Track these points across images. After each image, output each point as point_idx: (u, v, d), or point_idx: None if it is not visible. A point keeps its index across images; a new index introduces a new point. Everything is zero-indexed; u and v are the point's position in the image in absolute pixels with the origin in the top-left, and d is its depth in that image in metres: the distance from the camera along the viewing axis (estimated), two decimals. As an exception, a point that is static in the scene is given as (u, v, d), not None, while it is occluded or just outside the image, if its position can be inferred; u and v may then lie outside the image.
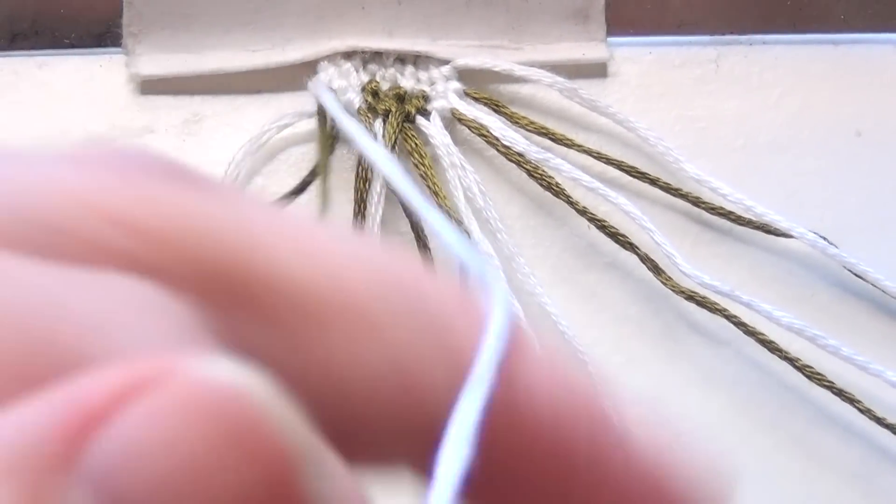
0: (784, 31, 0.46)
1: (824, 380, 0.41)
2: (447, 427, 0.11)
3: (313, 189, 0.43)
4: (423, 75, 0.44)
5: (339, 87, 0.43)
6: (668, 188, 0.43)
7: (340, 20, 0.44)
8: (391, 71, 0.44)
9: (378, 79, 0.44)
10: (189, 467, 0.10)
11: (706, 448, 0.13)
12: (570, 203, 0.42)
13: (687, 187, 0.43)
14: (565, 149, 0.43)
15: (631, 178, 0.43)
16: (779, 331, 0.41)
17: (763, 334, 0.41)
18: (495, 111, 0.44)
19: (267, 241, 0.12)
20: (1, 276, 0.11)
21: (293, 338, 0.12)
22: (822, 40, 0.46)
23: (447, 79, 0.44)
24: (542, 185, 0.42)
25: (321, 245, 0.12)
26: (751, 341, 0.41)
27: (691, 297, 0.41)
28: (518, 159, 0.42)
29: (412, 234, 0.41)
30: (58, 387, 0.10)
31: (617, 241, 0.42)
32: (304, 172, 0.42)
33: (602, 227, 0.42)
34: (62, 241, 0.11)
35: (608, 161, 0.43)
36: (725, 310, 0.41)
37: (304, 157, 0.43)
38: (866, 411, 0.41)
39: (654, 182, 0.43)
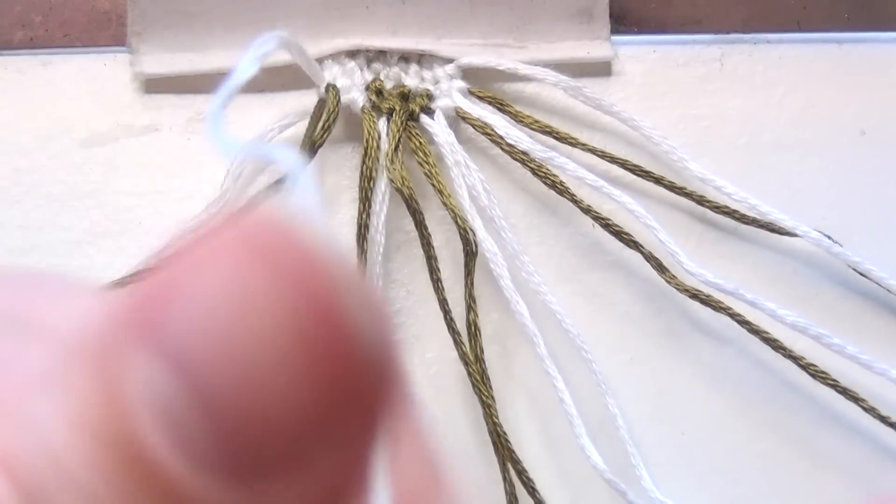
0: (788, 30, 0.46)
1: (828, 378, 0.41)
2: None
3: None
4: (427, 74, 0.44)
5: (343, 86, 0.43)
6: (672, 187, 0.43)
7: (345, 19, 0.44)
8: (395, 69, 0.44)
9: (382, 77, 0.44)
10: (249, 307, 0.10)
11: None
12: (575, 201, 0.42)
13: (691, 186, 0.43)
14: (569, 147, 0.43)
15: (635, 177, 0.43)
16: (783, 329, 0.41)
17: (767, 333, 0.41)
18: (499, 110, 0.44)
19: None
20: None
21: None
22: (827, 39, 0.46)
23: (451, 77, 0.44)
24: (546, 183, 0.42)
25: None
26: (755, 340, 0.41)
27: (695, 295, 0.41)
28: (522, 158, 0.42)
29: (416, 232, 0.41)
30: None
31: (621, 240, 0.42)
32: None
33: (606, 225, 0.42)
34: None
35: (612, 159, 0.43)
36: (729, 308, 0.41)
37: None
38: (870, 410, 0.41)
39: (658, 181, 0.43)
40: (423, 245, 0.40)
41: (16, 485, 0.11)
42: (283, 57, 0.43)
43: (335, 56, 0.43)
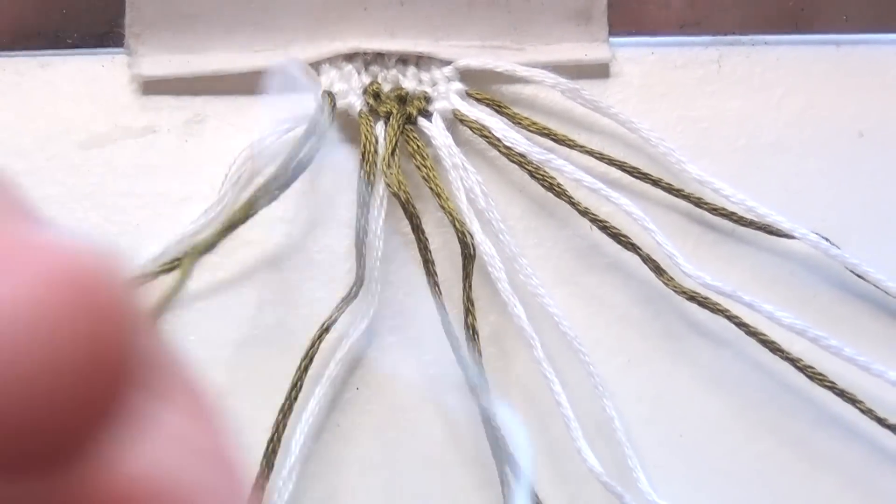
0: (786, 32, 0.46)
1: (826, 380, 0.41)
2: None
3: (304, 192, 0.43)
4: (424, 76, 0.44)
5: (340, 91, 0.43)
6: (670, 189, 0.43)
7: (343, 21, 0.44)
8: (393, 72, 0.44)
9: (380, 80, 0.44)
10: (36, 322, 0.11)
11: None
12: (572, 204, 0.42)
13: (689, 188, 0.43)
14: (567, 149, 0.43)
15: (633, 179, 0.43)
16: (780, 331, 0.41)
17: (765, 335, 0.41)
18: (497, 112, 0.44)
19: None
20: None
21: None
22: (825, 41, 0.46)
23: (449, 80, 0.44)
24: (544, 185, 0.42)
25: None
26: (752, 342, 0.41)
27: (693, 297, 0.41)
28: (520, 160, 0.42)
29: (413, 235, 0.41)
30: None
31: (619, 242, 0.42)
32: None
33: (604, 227, 0.42)
34: None
35: (610, 162, 0.43)
36: (727, 310, 0.41)
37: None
38: (868, 412, 0.41)
39: (656, 183, 0.43)
40: (420, 249, 0.40)
41: None
42: (281, 59, 0.43)
43: (332, 60, 0.44)
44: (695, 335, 0.43)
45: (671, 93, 0.45)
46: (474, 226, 0.41)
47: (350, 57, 0.44)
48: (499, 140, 0.43)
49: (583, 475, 0.40)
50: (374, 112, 0.43)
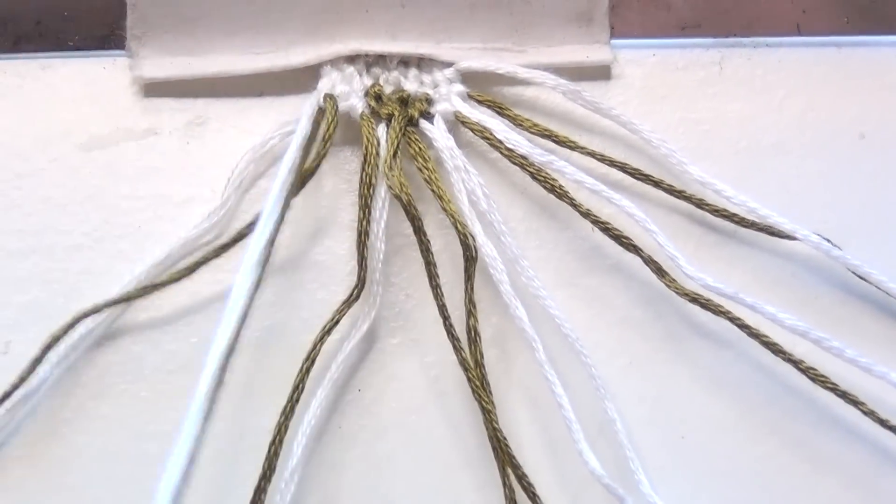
0: (788, 34, 0.46)
1: (828, 382, 0.41)
2: None
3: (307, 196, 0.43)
4: (426, 78, 0.44)
5: (342, 93, 0.43)
6: (671, 190, 0.43)
7: (344, 23, 0.44)
8: (394, 74, 0.44)
9: (381, 82, 0.44)
10: None
11: None
12: (574, 205, 0.42)
13: (690, 189, 0.43)
14: (569, 151, 0.43)
15: (634, 181, 0.43)
16: (783, 333, 0.41)
17: (767, 336, 0.41)
18: (499, 114, 0.44)
19: None
20: None
21: None
22: (826, 43, 0.46)
23: (450, 81, 0.44)
24: (545, 187, 0.42)
25: None
26: (754, 343, 0.41)
27: (695, 299, 0.41)
28: (521, 162, 0.42)
29: (415, 237, 0.41)
30: None
31: (620, 244, 0.42)
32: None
33: (605, 229, 0.42)
34: None
35: (612, 163, 0.43)
36: (729, 312, 0.41)
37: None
38: (870, 413, 0.41)
39: (657, 184, 0.43)
40: (422, 251, 0.40)
41: None
42: (281, 62, 0.43)
43: (334, 62, 0.44)
44: (696, 337, 0.43)
45: (672, 94, 0.45)
46: (476, 228, 0.41)
47: (351, 59, 0.44)
48: (500, 142, 0.43)
49: (584, 477, 0.40)
50: (375, 114, 0.43)
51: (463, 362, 0.40)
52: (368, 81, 0.44)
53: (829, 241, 0.42)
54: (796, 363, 0.41)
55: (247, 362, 0.41)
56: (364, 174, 0.41)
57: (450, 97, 0.44)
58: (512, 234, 0.42)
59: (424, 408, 0.42)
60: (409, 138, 0.43)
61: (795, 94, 0.46)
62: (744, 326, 0.41)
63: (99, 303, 0.41)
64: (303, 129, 0.41)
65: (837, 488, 0.42)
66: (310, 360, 0.40)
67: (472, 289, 0.41)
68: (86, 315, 0.40)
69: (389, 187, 0.40)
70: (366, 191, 0.41)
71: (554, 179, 0.42)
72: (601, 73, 0.45)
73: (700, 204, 0.43)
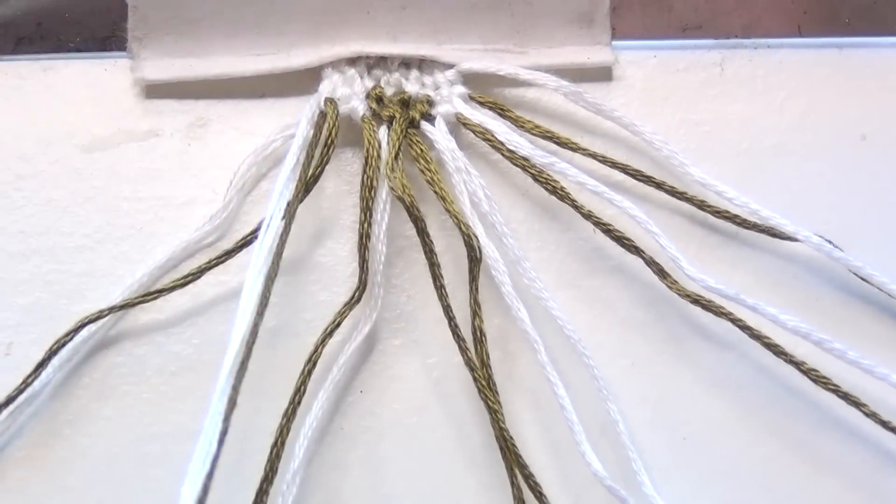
0: (789, 35, 0.46)
1: (830, 383, 0.41)
2: None
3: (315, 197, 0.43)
4: (427, 80, 0.44)
5: (343, 95, 0.43)
6: (673, 192, 0.43)
7: (345, 25, 0.44)
8: (396, 76, 0.44)
9: (382, 84, 0.44)
10: None
11: None
12: (575, 207, 0.42)
13: (692, 191, 0.43)
14: (570, 152, 0.43)
15: (636, 182, 0.43)
16: (784, 334, 0.41)
17: (768, 338, 0.41)
18: (500, 115, 0.44)
19: None
20: None
21: None
22: (827, 44, 0.46)
23: (452, 83, 0.44)
24: (547, 188, 0.42)
25: None
26: (756, 345, 0.41)
27: (696, 300, 0.41)
28: (523, 163, 0.42)
29: (417, 238, 0.41)
30: None
31: (622, 245, 0.42)
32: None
33: (607, 230, 0.42)
34: None
35: (613, 165, 0.43)
36: (731, 313, 0.41)
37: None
38: (872, 415, 0.41)
39: (659, 185, 0.43)
40: (425, 253, 0.40)
41: None
42: (282, 63, 0.43)
43: (335, 64, 0.44)
44: (698, 338, 0.43)
45: (674, 96, 0.45)
46: (478, 229, 0.41)
47: (353, 61, 0.44)
48: (502, 143, 0.43)
49: (587, 478, 0.40)
50: (377, 116, 0.43)
51: (469, 363, 0.40)
52: (370, 83, 0.44)
53: (830, 242, 0.42)
54: (798, 364, 0.41)
55: (249, 364, 0.41)
56: (365, 176, 0.41)
57: (451, 99, 0.44)
58: (514, 235, 0.42)
59: (426, 409, 0.42)
60: (411, 140, 0.43)
61: (797, 96, 0.46)
62: (745, 328, 0.41)
63: (103, 308, 0.41)
64: (303, 132, 0.41)
65: (839, 489, 0.42)
66: (311, 361, 0.40)
67: (476, 290, 0.41)
68: (91, 321, 0.40)
69: (391, 189, 0.40)
70: (367, 193, 0.41)
71: (556, 181, 0.42)
72: (602, 74, 0.45)
73: (702, 205, 0.43)
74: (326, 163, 0.41)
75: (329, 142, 0.41)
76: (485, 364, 0.40)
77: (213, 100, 0.44)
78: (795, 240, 0.42)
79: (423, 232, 0.40)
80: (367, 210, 0.41)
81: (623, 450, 0.41)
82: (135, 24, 0.43)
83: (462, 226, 0.40)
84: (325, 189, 0.43)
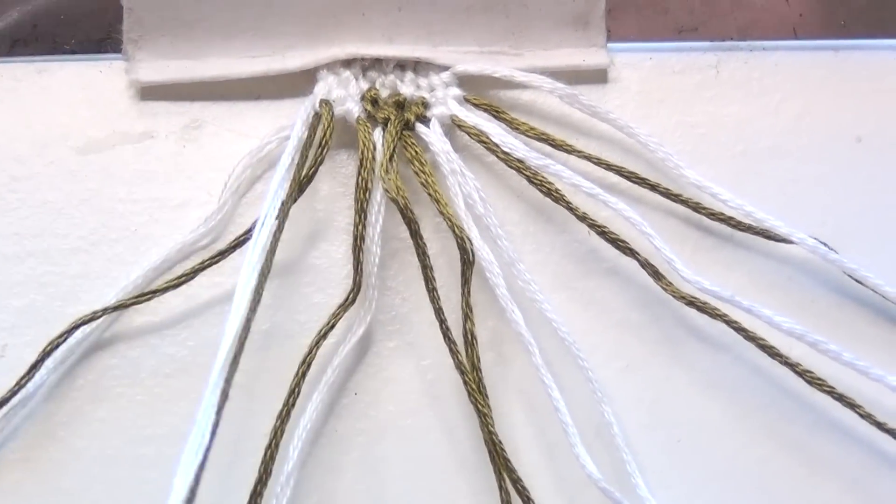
0: (784, 38, 0.46)
1: (825, 385, 0.41)
2: None
3: (311, 196, 0.43)
4: (422, 82, 0.44)
5: (338, 97, 0.43)
6: (668, 194, 0.43)
7: (340, 27, 0.44)
8: (391, 77, 0.44)
9: (378, 86, 0.44)
10: None
11: None
12: (570, 209, 0.42)
13: (687, 193, 0.43)
14: (565, 155, 0.43)
15: (631, 184, 0.43)
16: (779, 336, 0.41)
17: (763, 340, 0.41)
18: (495, 117, 0.44)
19: None
20: None
21: None
22: (823, 46, 0.46)
23: (447, 85, 0.44)
24: (542, 191, 0.42)
25: None
26: (751, 347, 0.41)
27: (691, 302, 0.41)
28: (518, 165, 0.42)
29: (411, 240, 0.41)
30: None
31: (617, 247, 0.42)
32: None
33: (602, 232, 0.42)
34: None
35: (608, 167, 0.43)
36: (726, 315, 0.41)
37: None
38: (867, 416, 0.41)
39: (654, 188, 0.43)
40: (418, 255, 0.40)
41: None
42: (277, 65, 0.43)
43: (330, 65, 0.44)
44: (693, 340, 0.43)
45: (669, 98, 0.45)
46: (472, 231, 0.41)
47: (348, 63, 0.44)
48: (497, 145, 0.43)
49: (581, 481, 0.40)
50: (371, 118, 0.43)
51: (459, 366, 0.40)
52: (365, 85, 0.44)
53: (825, 244, 0.42)
54: (793, 366, 0.41)
55: (243, 366, 0.41)
56: (360, 178, 0.41)
57: (446, 101, 0.44)
58: (508, 237, 0.42)
59: (421, 411, 0.42)
60: (406, 142, 0.43)
61: (792, 98, 0.46)
62: (740, 329, 0.41)
63: (97, 310, 0.41)
64: (298, 134, 0.41)
65: (835, 491, 0.42)
66: (306, 363, 0.40)
67: (469, 292, 0.41)
68: (84, 322, 0.40)
69: (386, 191, 0.40)
70: (362, 195, 0.41)
71: (550, 183, 0.42)
72: (598, 76, 0.45)
73: (697, 207, 0.43)
74: (321, 163, 0.41)
75: (323, 143, 0.41)
76: (475, 367, 0.40)
77: (208, 101, 0.44)
78: (790, 242, 0.42)
79: (416, 234, 0.40)
80: (361, 212, 0.41)
81: (618, 452, 0.41)
82: (130, 26, 0.43)
83: (455, 228, 0.40)
84: (320, 191, 0.43)
